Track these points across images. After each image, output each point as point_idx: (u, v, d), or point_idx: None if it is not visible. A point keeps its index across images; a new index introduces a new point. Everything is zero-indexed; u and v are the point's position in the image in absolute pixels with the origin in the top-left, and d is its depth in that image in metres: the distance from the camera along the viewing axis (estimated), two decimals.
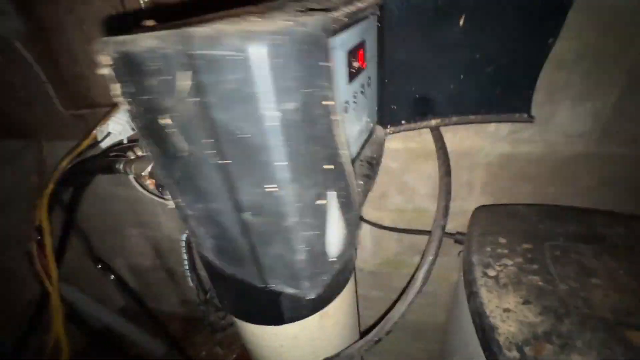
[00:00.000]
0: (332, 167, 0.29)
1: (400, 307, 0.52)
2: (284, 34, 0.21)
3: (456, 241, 0.89)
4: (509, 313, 0.60)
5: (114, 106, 1.08)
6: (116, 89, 0.25)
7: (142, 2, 0.90)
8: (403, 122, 0.65)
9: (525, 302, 0.61)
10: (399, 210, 1.10)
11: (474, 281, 0.67)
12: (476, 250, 0.73)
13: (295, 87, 0.23)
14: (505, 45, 0.56)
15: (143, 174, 0.55)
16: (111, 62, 0.24)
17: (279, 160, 0.24)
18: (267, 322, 0.52)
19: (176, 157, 0.27)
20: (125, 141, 0.85)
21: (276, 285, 0.34)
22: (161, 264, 1.72)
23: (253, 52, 0.20)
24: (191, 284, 0.55)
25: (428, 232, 1.02)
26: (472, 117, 0.65)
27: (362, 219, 1.08)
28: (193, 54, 0.21)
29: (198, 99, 0.23)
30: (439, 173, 0.64)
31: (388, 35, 0.54)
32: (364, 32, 0.46)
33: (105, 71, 0.24)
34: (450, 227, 1.05)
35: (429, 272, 0.53)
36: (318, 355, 0.58)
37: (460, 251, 0.90)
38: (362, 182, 0.45)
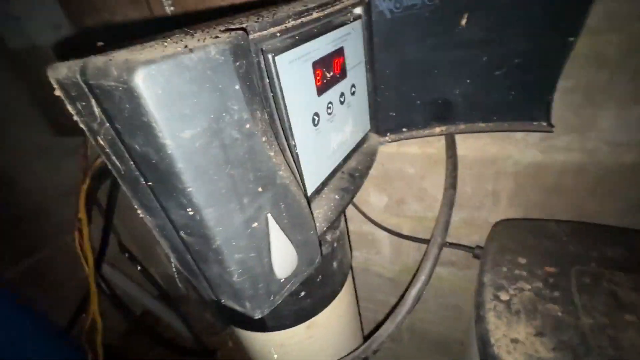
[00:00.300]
0: (260, 189, 0.28)
1: (389, 327, 0.49)
2: (170, 62, 0.21)
3: (475, 256, 0.82)
4: (517, 344, 0.54)
5: None
6: (69, 109, 0.27)
7: (168, 11, 0.96)
8: (404, 129, 0.61)
9: (539, 333, 0.54)
10: (418, 217, 1.04)
11: (483, 304, 0.61)
12: (490, 269, 0.66)
13: (193, 114, 0.23)
14: (517, 44, 0.49)
15: None
16: (55, 85, 0.26)
17: (188, 186, 0.24)
18: (252, 328, 0.53)
19: (120, 174, 0.28)
20: None
21: (225, 302, 0.34)
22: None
23: (134, 82, 0.20)
24: (180, 284, 0.58)
25: (448, 244, 0.96)
26: (481, 125, 0.58)
27: (377, 224, 1.05)
28: (90, 83, 0.22)
29: (108, 125, 0.24)
30: (444, 184, 0.59)
31: (379, 38, 0.51)
32: (342, 39, 0.43)
33: (58, 93, 0.26)
34: (472, 239, 0.97)
35: (420, 292, 0.50)
36: None
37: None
38: (337, 197, 0.43)
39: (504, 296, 0.61)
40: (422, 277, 0.49)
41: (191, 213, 0.25)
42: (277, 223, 0.30)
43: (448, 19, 0.49)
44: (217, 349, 1.81)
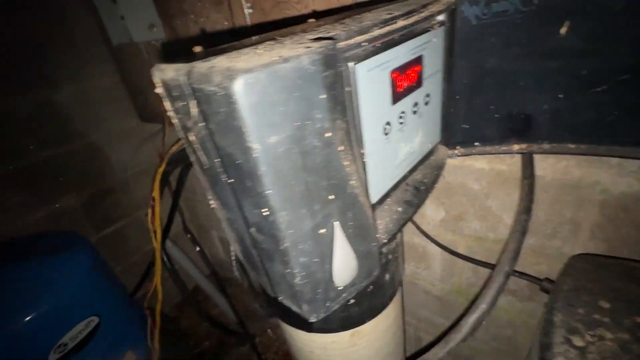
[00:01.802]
0: (332, 197, 0.28)
1: (438, 351, 0.47)
2: (266, 72, 0.22)
3: (543, 289, 0.73)
4: None
5: None
6: (167, 106, 0.30)
7: (247, 13, 1.02)
8: (477, 144, 0.57)
9: None
10: (477, 237, 0.97)
11: (551, 346, 0.55)
12: (562, 307, 0.59)
13: (280, 121, 0.23)
14: (625, 59, 0.42)
15: None
16: (159, 84, 0.29)
17: (266, 189, 0.25)
18: (299, 326, 0.54)
19: (203, 168, 0.30)
20: None
21: (283, 300, 0.35)
22: None
23: (233, 89, 0.21)
24: (235, 272, 0.61)
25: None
26: (570, 146, 0.51)
27: (431, 239, 1.00)
28: (194, 87, 0.23)
29: (203, 125, 0.25)
30: (518, 207, 0.54)
31: (460, 46, 0.48)
32: (422, 47, 0.42)
33: (159, 90, 0.29)
34: (539, 270, 0.88)
35: (480, 320, 0.46)
36: None
37: (545, 302, 0.74)
38: (399, 209, 0.42)
39: (578, 342, 0.54)
40: (483, 305, 0.45)
41: (265, 214, 0.26)
42: (343, 232, 0.31)
43: (544, 27, 0.44)
44: (255, 335, 1.89)
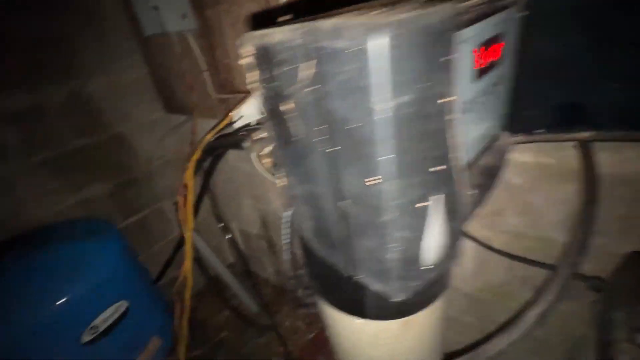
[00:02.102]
0: (440, 169, 0.27)
1: (498, 343, 0.45)
2: (405, 26, 0.20)
3: (592, 288, 0.71)
4: None
5: (248, 93, 1.25)
6: (252, 76, 0.29)
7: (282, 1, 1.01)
8: (540, 130, 0.54)
9: None
10: (515, 233, 0.94)
11: (612, 344, 0.52)
12: (621, 305, 0.57)
13: (412, 80, 0.22)
14: None
15: (262, 153, 0.63)
16: (252, 53, 0.28)
17: (386, 154, 0.24)
18: (349, 311, 0.53)
19: (291, 140, 0.30)
20: (253, 123, 0.98)
21: (363, 279, 0.34)
22: (265, 234, 1.95)
23: (372, 44, 0.20)
24: (285, 257, 0.61)
25: (551, 267, 0.85)
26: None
27: (467, 234, 0.97)
28: (317, 45, 0.22)
29: (317, 87, 0.24)
30: (582, 199, 0.52)
31: (535, 27, 0.45)
32: (503, 24, 0.39)
33: (246, 61, 0.28)
34: (584, 268, 0.84)
35: (544, 314, 0.44)
36: None
37: (594, 300, 0.71)
38: (472, 193, 0.40)
39: None
40: (548, 297, 0.44)
41: (372, 183, 0.25)
42: (437, 208, 0.29)
43: (628, 10, 0.41)
44: (277, 326, 1.90)
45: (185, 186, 1.10)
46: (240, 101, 0.95)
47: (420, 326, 0.53)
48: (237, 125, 0.94)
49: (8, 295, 1.06)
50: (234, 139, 0.81)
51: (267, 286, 2.22)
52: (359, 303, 0.44)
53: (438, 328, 0.60)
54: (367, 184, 0.26)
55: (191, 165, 0.97)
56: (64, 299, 1.09)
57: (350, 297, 0.47)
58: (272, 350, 1.80)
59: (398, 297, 0.32)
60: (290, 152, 0.31)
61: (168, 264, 1.88)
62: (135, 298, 1.35)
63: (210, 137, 0.97)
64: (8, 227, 1.40)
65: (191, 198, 1.02)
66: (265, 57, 0.27)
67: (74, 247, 1.24)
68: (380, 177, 0.25)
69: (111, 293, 1.26)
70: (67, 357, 1.15)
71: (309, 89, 0.25)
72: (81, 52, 1.50)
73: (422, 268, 0.31)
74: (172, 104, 1.79)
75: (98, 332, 1.20)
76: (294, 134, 0.28)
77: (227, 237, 1.69)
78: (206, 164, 1.40)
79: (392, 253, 0.29)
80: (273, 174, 0.62)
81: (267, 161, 0.58)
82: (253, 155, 1.31)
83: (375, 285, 0.33)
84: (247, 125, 0.91)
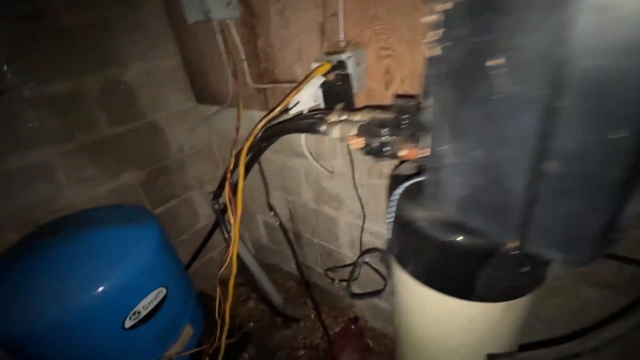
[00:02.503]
0: None
1: (617, 327, 0.43)
2: None
3: None
4: None
5: (289, 83, 1.25)
6: (435, 35, 0.27)
7: None
8: None
9: None
10: None
11: None
12: None
13: None
14: None
15: (349, 134, 0.62)
16: (447, 8, 0.26)
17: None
18: (452, 292, 0.52)
19: (484, 99, 0.28)
20: (305, 111, 0.98)
21: (542, 249, 0.33)
22: (292, 227, 1.95)
23: None
24: (387, 236, 0.59)
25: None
26: None
27: None
28: None
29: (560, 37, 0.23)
30: None
31: None
32: None
33: (432, 18, 0.27)
34: None
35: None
36: (483, 348, 0.56)
37: None
38: None
39: None
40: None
41: (617, 137, 0.23)
42: None
43: None
44: (300, 318, 1.91)
45: (232, 172, 1.11)
46: (294, 89, 0.95)
47: (521, 310, 0.52)
48: (293, 111, 0.94)
49: (53, 280, 1.07)
50: (303, 124, 0.81)
51: (289, 279, 2.22)
52: (471, 283, 0.44)
53: (529, 315, 0.59)
54: (607, 138, 0.24)
55: (244, 151, 0.97)
56: (109, 284, 1.09)
57: (463, 277, 0.47)
58: (298, 342, 1.81)
59: (585, 262, 0.30)
60: (472, 113, 0.30)
61: (197, 254, 1.90)
62: (173, 285, 1.36)
63: (264, 123, 0.97)
64: (47, 211, 1.42)
65: (242, 184, 1.02)
66: (475, 9, 0.25)
67: (117, 233, 1.25)
68: (625, 132, 0.23)
69: (152, 279, 1.27)
70: (111, 342, 1.17)
71: (555, 40, 0.23)
72: (119, 40, 1.51)
73: (613, 234, 0.30)
74: (205, 95, 1.79)
75: (140, 318, 1.21)
76: (494, 92, 0.27)
77: (277, 223, 1.69)
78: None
79: (601, 215, 0.27)
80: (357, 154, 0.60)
81: (357, 141, 0.57)
82: (303, 142, 1.31)
83: (553, 254, 0.32)
84: (316, 109, 0.91)
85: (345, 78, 0.98)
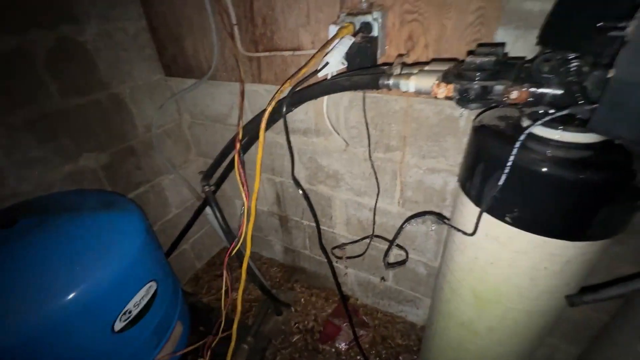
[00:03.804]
0: None
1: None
2: None
3: None
4: None
5: (290, 51, 1.16)
6: None
7: None
8: None
9: None
10: None
11: None
12: None
13: None
14: None
15: (434, 83, 0.58)
16: None
17: None
18: (557, 235, 0.52)
19: None
20: (334, 73, 0.92)
21: None
22: (278, 210, 1.86)
23: None
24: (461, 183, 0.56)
25: None
26: None
27: None
28: None
29: None
30: None
31: None
32: None
33: None
34: None
35: None
36: (565, 290, 0.58)
37: None
38: None
39: None
40: None
41: None
42: None
43: None
44: (290, 304, 1.85)
45: (240, 141, 1.00)
46: (323, 47, 0.87)
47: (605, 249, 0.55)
48: (322, 73, 0.87)
49: (18, 284, 0.85)
50: (361, 79, 0.74)
51: (272, 266, 2.13)
52: (581, 222, 0.45)
53: None
54: None
55: (266, 116, 0.87)
56: (93, 283, 0.91)
57: (569, 217, 0.47)
58: (292, 327, 1.75)
59: None
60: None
61: (175, 245, 1.70)
62: (162, 278, 1.20)
63: (287, 85, 0.88)
64: None
65: (260, 155, 0.92)
66: None
67: (95, 220, 1.04)
68: None
69: (142, 272, 1.10)
70: (98, 350, 0.98)
71: None
72: None
73: None
74: (177, 66, 1.58)
75: (131, 318, 1.04)
76: None
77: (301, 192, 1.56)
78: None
79: None
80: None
81: (447, 89, 0.54)
82: (325, 111, 1.24)
83: None
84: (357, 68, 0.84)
85: (373, 41, 0.93)
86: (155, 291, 1.14)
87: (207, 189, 1.32)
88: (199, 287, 2.05)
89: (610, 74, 0.38)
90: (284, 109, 0.86)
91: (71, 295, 0.86)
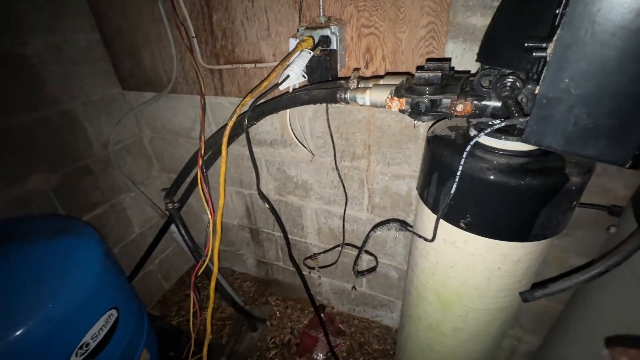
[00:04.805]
0: None
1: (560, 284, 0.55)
2: None
3: (612, 213, 0.87)
4: None
5: (251, 64, 1.16)
6: None
7: None
8: None
9: None
10: None
11: None
12: None
13: None
14: None
15: (387, 97, 0.60)
16: None
17: None
18: (506, 237, 0.55)
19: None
20: (296, 86, 0.92)
21: None
22: (248, 223, 1.82)
23: None
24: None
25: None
26: None
27: None
28: None
29: None
30: None
31: None
32: None
33: None
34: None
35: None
36: (519, 287, 0.62)
37: (610, 226, 0.89)
38: None
39: None
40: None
41: None
42: None
43: None
44: (266, 319, 1.81)
45: (199, 159, 0.97)
46: (279, 65, 0.88)
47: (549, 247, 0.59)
48: (283, 86, 0.88)
49: None
50: (320, 93, 0.74)
51: (245, 280, 2.08)
52: (526, 225, 0.48)
53: None
54: None
55: (227, 131, 0.86)
56: (43, 319, 0.84)
57: (515, 221, 0.50)
58: (268, 342, 1.71)
59: None
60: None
61: (139, 267, 1.61)
62: (124, 305, 1.13)
63: (249, 100, 0.87)
64: None
65: (224, 170, 0.90)
66: None
67: (47, 248, 0.96)
68: None
69: (100, 302, 1.02)
70: None
71: None
72: (18, 4, 1.16)
73: None
74: (135, 79, 1.52)
75: (89, 351, 0.96)
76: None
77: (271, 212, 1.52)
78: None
79: None
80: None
81: (399, 103, 0.56)
82: (288, 124, 1.24)
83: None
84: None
85: (332, 54, 0.95)
86: (117, 319, 1.07)
87: (171, 207, 1.27)
88: (168, 309, 1.96)
89: (537, 90, 0.41)
90: (245, 124, 0.85)
91: (17, 333, 0.79)
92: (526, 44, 0.42)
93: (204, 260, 0.98)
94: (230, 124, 0.87)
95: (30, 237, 0.98)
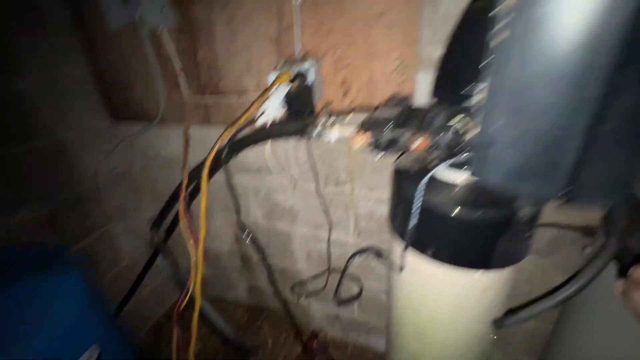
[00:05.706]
0: None
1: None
2: None
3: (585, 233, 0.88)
4: None
5: (265, 92, 1.21)
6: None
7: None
8: None
9: None
10: None
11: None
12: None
13: None
14: None
15: (351, 133, 0.62)
16: None
17: None
18: (470, 266, 0.56)
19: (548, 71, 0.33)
20: (277, 117, 0.95)
21: (580, 198, 0.39)
22: (239, 249, 1.82)
23: None
24: (412, 224, 0.59)
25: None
26: None
27: None
28: None
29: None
30: None
31: None
32: None
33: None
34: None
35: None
36: (490, 314, 0.62)
37: (585, 246, 0.89)
38: None
39: None
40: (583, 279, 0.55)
41: None
42: None
43: None
44: (259, 347, 1.77)
45: (186, 189, 0.99)
46: (258, 99, 0.92)
47: (517, 274, 0.59)
48: (260, 121, 0.91)
49: None
50: (291, 127, 0.77)
51: (238, 308, 2.05)
52: (490, 251, 0.49)
53: None
54: None
55: (207, 163, 0.89)
56: (24, 354, 0.83)
57: (476, 250, 0.51)
58: None
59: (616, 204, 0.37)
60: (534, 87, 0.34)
61: (128, 298, 1.59)
62: (107, 340, 1.11)
63: (227, 134, 0.91)
64: None
65: (204, 203, 0.92)
66: None
67: (24, 289, 0.96)
68: None
69: (80, 339, 1.01)
70: None
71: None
72: (16, 41, 1.22)
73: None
74: (126, 111, 1.57)
75: None
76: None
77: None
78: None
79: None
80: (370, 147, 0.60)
81: (363, 138, 0.58)
82: (268, 152, 1.26)
83: (595, 201, 0.38)
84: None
85: (308, 88, 0.99)
86: (99, 356, 1.06)
87: (157, 239, 1.28)
88: (161, 335, 1.92)
89: (474, 132, 0.44)
90: (222, 158, 0.87)
91: None
92: (464, 90, 0.44)
93: (186, 295, 0.98)
94: (210, 158, 0.90)
95: (10, 273, 0.99)
